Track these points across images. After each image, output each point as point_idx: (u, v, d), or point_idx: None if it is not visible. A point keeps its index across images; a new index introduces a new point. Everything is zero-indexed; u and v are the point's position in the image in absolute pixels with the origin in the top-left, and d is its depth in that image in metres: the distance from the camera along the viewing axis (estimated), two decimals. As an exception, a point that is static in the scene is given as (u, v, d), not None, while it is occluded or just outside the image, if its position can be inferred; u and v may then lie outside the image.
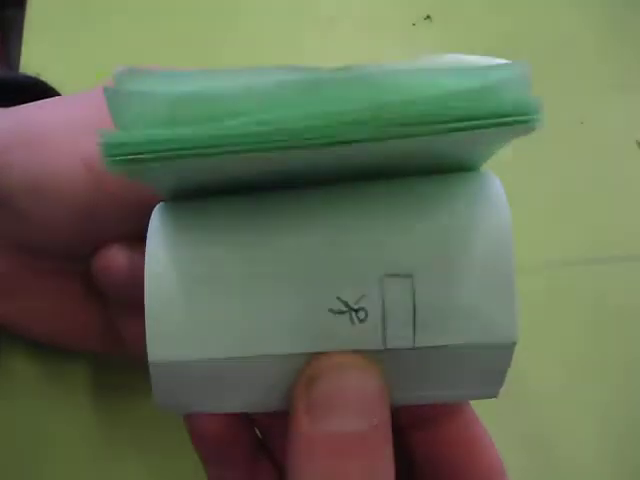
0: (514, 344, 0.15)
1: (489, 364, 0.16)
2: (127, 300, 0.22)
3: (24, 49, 0.36)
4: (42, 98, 0.23)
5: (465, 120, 0.12)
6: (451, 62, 0.13)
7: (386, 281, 0.15)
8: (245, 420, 0.20)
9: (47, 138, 0.21)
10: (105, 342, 0.25)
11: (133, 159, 0.13)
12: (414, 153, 0.15)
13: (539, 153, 0.33)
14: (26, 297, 0.23)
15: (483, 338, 0.15)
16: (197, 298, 0.16)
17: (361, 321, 0.15)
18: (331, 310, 0.15)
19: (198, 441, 0.19)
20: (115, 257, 0.21)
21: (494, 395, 0.16)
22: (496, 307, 0.15)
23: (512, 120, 0.12)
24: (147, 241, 0.16)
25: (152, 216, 0.17)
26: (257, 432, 0.21)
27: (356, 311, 0.15)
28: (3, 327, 0.24)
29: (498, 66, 0.13)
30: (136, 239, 0.20)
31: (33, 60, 0.36)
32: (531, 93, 0.13)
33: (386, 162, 0.15)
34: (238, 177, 0.15)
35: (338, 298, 0.15)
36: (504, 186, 0.16)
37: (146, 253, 0.16)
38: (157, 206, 0.17)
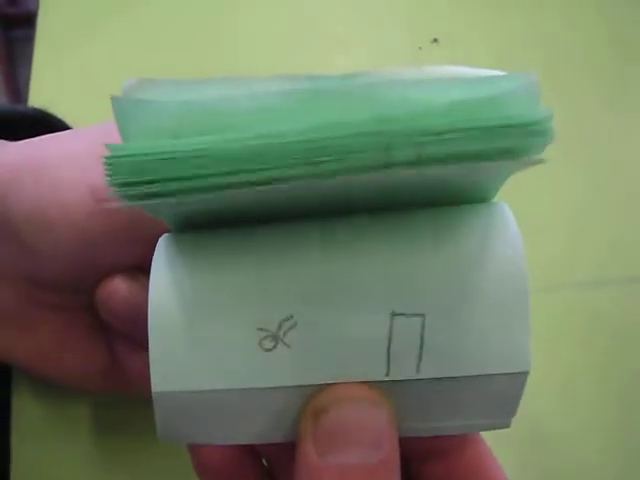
0: (527, 373, 0.15)
1: (501, 394, 0.15)
2: (130, 332, 0.22)
3: (34, 69, 0.36)
4: (52, 131, 0.23)
5: (474, 129, 0.12)
6: (455, 73, 0.13)
7: (395, 317, 0.15)
8: (251, 450, 0.20)
9: (55, 169, 0.21)
10: (107, 382, 0.25)
11: (137, 182, 0.13)
12: (421, 182, 0.14)
13: (550, 171, 0.33)
14: (30, 332, 0.23)
15: (496, 369, 0.15)
16: (201, 329, 0.15)
17: (367, 352, 0.15)
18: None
19: (202, 471, 0.19)
20: (118, 287, 0.21)
21: (507, 425, 0.16)
22: (509, 338, 0.15)
23: (521, 125, 0.12)
24: (151, 272, 0.16)
25: (157, 247, 0.17)
26: (264, 461, 0.21)
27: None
28: (6, 362, 0.24)
29: (505, 76, 0.13)
30: (142, 270, 0.20)
31: (44, 81, 0.37)
32: (541, 103, 0.13)
33: (394, 193, 0.15)
34: (242, 205, 0.15)
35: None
36: (515, 205, 0.16)
37: (150, 284, 0.16)
38: (162, 237, 0.17)
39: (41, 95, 0.36)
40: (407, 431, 0.16)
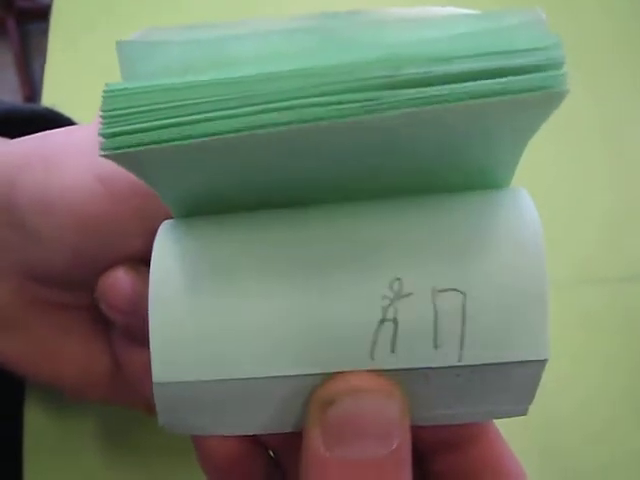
0: (546, 361, 0.15)
1: (520, 381, 0.15)
2: (130, 326, 0.21)
3: (48, 63, 0.36)
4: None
5: (481, 55, 0.12)
6: (461, 12, 0.13)
7: (438, 295, 0.15)
8: (257, 441, 0.19)
9: (64, 157, 0.20)
10: (107, 390, 0.24)
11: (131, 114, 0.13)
12: (431, 140, 0.14)
13: (583, 166, 0.32)
14: (29, 333, 0.23)
15: (516, 356, 0.15)
16: (203, 317, 0.15)
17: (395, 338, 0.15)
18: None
19: (207, 462, 0.18)
20: (120, 279, 0.20)
21: (523, 413, 0.16)
22: (529, 325, 0.14)
23: (527, 50, 0.12)
24: (152, 259, 0.16)
25: (158, 232, 0.16)
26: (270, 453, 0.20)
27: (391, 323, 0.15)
28: (3, 365, 0.23)
29: (512, 11, 0.13)
30: (147, 263, 0.20)
31: (58, 74, 0.36)
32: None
33: (409, 172, 0.15)
34: (244, 180, 0.15)
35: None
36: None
37: (150, 271, 0.16)
38: (163, 223, 0.17)
39: (55, 88, 0.36)
40: (420, 419, 0.16)
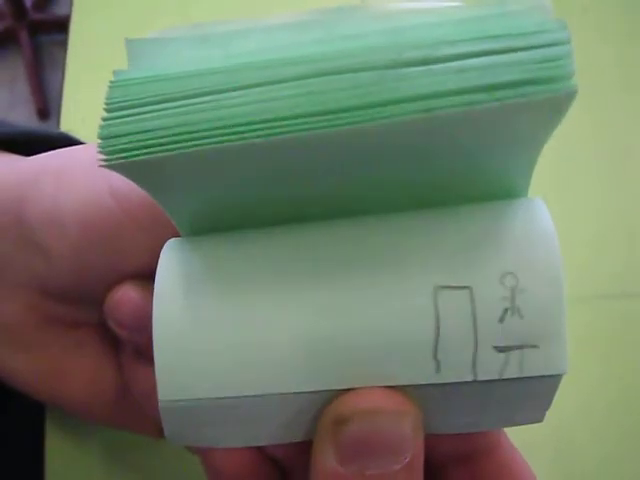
0: (563, 374, 0.15)
1: (537, 392, 0.15)
2: (137, 343, 0.21)
3: (67, 75, 0.36)
4: None
5: (486, 38, 0.12)
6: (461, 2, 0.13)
7: (440, 293, 0.14)
8: (265, 453, 0.19)
9: (76, 171, 0.21)
10: (115, 411, 0.24)
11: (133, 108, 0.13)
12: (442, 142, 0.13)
13: (585, 182, 0.32)
14: (40, 352, 0.23)
15: (534, 371, 0.14)
16: (208, 335, 0.15)
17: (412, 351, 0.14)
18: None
19: (214, 475, 0.18)
20: (127, 294, 0.20)
21: (540, 419, 0.16)
22: (548, 340, 0.14)
23: (532, 33, 0.12)
24: (156, 278, 0.16)
25: (162, 252, 0.16)
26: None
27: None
28: (12, 384, 0.23)
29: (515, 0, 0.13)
30: (154, 276, 0.19)
31: (77, 87, 0.36)
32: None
33: (421, 184, 0.15)
34: (250, 191, 0.15)
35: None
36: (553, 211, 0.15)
37: (154, 290, 0.15)
38: (168, 242, 0.17)
39: (74, 102, 0.35)
40: (434, 428, 0.16)
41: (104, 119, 0.13)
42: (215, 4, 0.38)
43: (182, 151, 0.12)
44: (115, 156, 0.13)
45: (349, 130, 0.12)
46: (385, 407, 0.15)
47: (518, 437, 0.18)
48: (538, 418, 0.16)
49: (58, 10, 1.50)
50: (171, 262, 0.16)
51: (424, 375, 0.14)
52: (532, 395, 0.15)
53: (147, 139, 0.12)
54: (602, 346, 0.29)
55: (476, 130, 0.13)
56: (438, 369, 0.14)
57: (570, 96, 0.12)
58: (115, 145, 0.13)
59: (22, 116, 1.41)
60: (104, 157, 0.13)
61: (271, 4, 0.38)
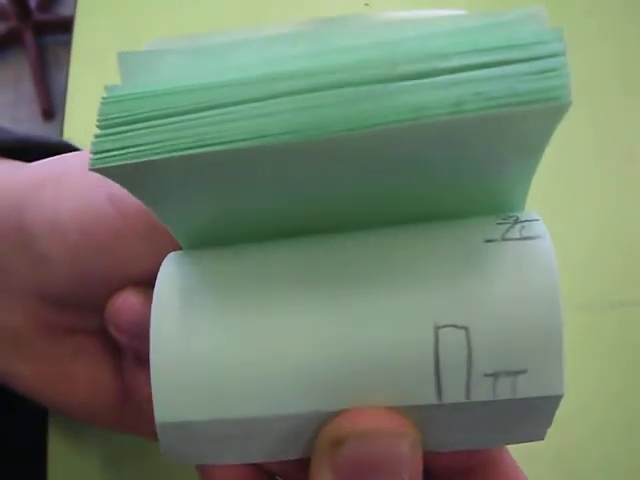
0: (561, 397, 0.14)
1: (536, 412, 0.15)
2: (138, 349, 0.21)
3: (71, 76, 0.36)
4: None
5: (482, 51, 0.12)
6: (455, 12, 0.13)
7: (440, 331, 0.14)
8: (262, 468, 0.19)
9: (75, 177, 0.21)
10: (117, 415, 0.24)
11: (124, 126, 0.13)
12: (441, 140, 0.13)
13: (585, 190, 0.32)
14: (42, 357, 0.23)
15: (532, 392, 0.14)
16: (205, 356, 0.15)
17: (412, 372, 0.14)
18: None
19: None
20: (128, 301, 0.20)
21: (541, 437, 0.16)
22: (544, 362, 0.14)
23: (527, 45, 0.12)
24: (154, 294, 0.16)
25: (161, 266, 0.16)
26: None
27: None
28: (16, 389, 0.23)
29: (510, 10, 0.12)
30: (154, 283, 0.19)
31: (81, 87, 0.36)
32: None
33: (418, 199, 0.15)
34: (255, 207, 0.15)
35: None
36: (550, 221, 0.15)
37: (152, 306, 0.15)
38: (168, 256, 0.16)
39: (78, 102, 0.35)
40: (434, 446, 0.16)
41: (96, 136, 0.13)
42: (216, 4, 0.39)
43: (170, 155, 0.12)
44: (103, 161, 0.13)
45: (340, 137, 0.12)
46: (382, 428, 0.15)
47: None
48: (539, 435, 0.16)
49: (62, 10, 1.51)
50: (169, 279, 0.16)
51: (424, 396, 0.14)
52: (530, 414, 0.15)
53: (139, 152, 0.12)
54: (600, 353, 0.29)
55: (469, 140, 0.13)
56: (438, 390, 0.14)
57: (564, 108, 0.12)
58: (106, 159, 0.13)
59: (27, 116, 1.41)
60: (94, 168, 0.13)
61: (269, 5, 0.38)
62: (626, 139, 0.33)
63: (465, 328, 0.14)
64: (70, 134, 0.33)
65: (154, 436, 0.24)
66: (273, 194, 0.14)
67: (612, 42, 0.36)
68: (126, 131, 0.13)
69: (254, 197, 0.14)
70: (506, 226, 0.15)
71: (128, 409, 0.24)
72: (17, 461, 0.27)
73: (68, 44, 0.37)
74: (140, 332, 0.19)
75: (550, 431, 0.16)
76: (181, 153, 0.12)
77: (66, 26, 0.37)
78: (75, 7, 0.38)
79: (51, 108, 1.40)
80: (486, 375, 0.14)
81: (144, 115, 0.12)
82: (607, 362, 0.29)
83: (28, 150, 0.24)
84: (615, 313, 0.30)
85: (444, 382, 0.14)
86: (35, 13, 1.47)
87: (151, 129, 0.12)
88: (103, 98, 0.13)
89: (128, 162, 0.12)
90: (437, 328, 0.14)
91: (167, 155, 0.12)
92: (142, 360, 0.22)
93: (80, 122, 0.33)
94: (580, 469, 0.27)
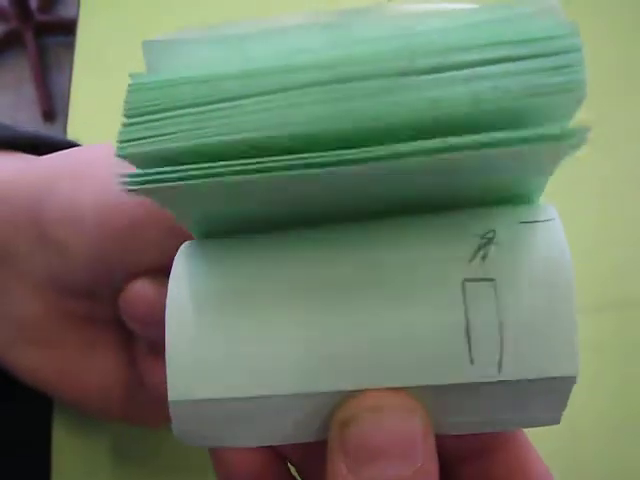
0: (575, 377, 0.15)
1: (551, 393, 0.15)
2: (152, 338, 0.22)
3: (74, 76, 0.36)
4: None
5: (502, 44, 0.12)
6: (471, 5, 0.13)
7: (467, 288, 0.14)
8: (276, 450, 0.18)
9: (90, 169, 0.21)
10: (129, 407, 0.24)
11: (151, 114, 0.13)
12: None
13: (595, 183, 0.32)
14: (60, 348, 0.23)
15: (547, 372, 0.14)
16: (220, 336, 0.15)
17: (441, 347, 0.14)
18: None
19: (225, 476, 0.18)
20: (143, 289, 0.21)
21: (557, 421, 0.16)
22: (559, 343, 0.15)
23: (544, 39, 0.12)
24: (170, 278, 0.16)
25: (177, 255, 0.16)
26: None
27: None
28: (34, 383, 0.24)
29: (526, 2, 0.13)
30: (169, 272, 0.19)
31: (84, 88, 0.36)
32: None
33: (433, 186, 0.15)
34: (269, 202, 0.15)
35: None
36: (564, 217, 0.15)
37: (168, 291, 0.16)
38: (183, 245, 0.17)
39: (81, 104, 0.36)
40: (447, 428, 0.15)
41: (124, 125, 0.13)
42: (222, 4, 0.38)
43: (195, 181, 0.12)
44: (130, 149, 0.13)
45: (379, 166, 0.12)
46: (389, 404, 0.14)
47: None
48: (554, 419, 0.16)
49: (63, 12, 1.51)
50: (185, 267, 0.16)
51: (450, 374, 0.14)
52: (545, 396, 0.15)
53: (167, 139, 0.13)
54: (598, 353, 0.29)
55: (497, 163, 0.13)
56: (470, 361, 0.14)
57: (579, 102, 0.12)
58: (134, 146, 0.13)
59: (27, 118, 1.41)
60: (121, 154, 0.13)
61: (269, 4, 0.38)
62: (627, 137, 0.33)
63: (491, 281, 0.14)
64: (73, 135, 0.33)
65: (161, 425, 0.25)
66: (292, 200, 0.15)
67: (616, 42, 0.36)
68: (154, 120, 0.13)
69: (272, 205, 0.15)
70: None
71: (140, 400, 0.24)
72: (21, 450, 0.27)
73: (69, 45, 0.37)
74: (154, 320, 0.20)
75: (547, 429, 0.16)
76: (207, 140, 0.12)
77: (67, 27, 0.37)
78: (78, 8, 0.38)
79: (52, 110, 1.40)
80: (511, 356, 0.14)
81: (172, 104, 0.13)
82: (605, 362, 0.29)
83: (37, 147, 0.24)
84: (613, 314, 0.30)
85: (476, 357, 0.14)
86: (36, 14, 1.47)
87: (178, 118, 0.13)
88: (129, 85, 0.13)
89: (151, 187, 0.13)
90: (464, 286, 0.14)
91: (205, 180, 0.12)
92: (155, 347, 0.22)
93: (82, 123, 0.33)
94: (576, 467, 0.27)
